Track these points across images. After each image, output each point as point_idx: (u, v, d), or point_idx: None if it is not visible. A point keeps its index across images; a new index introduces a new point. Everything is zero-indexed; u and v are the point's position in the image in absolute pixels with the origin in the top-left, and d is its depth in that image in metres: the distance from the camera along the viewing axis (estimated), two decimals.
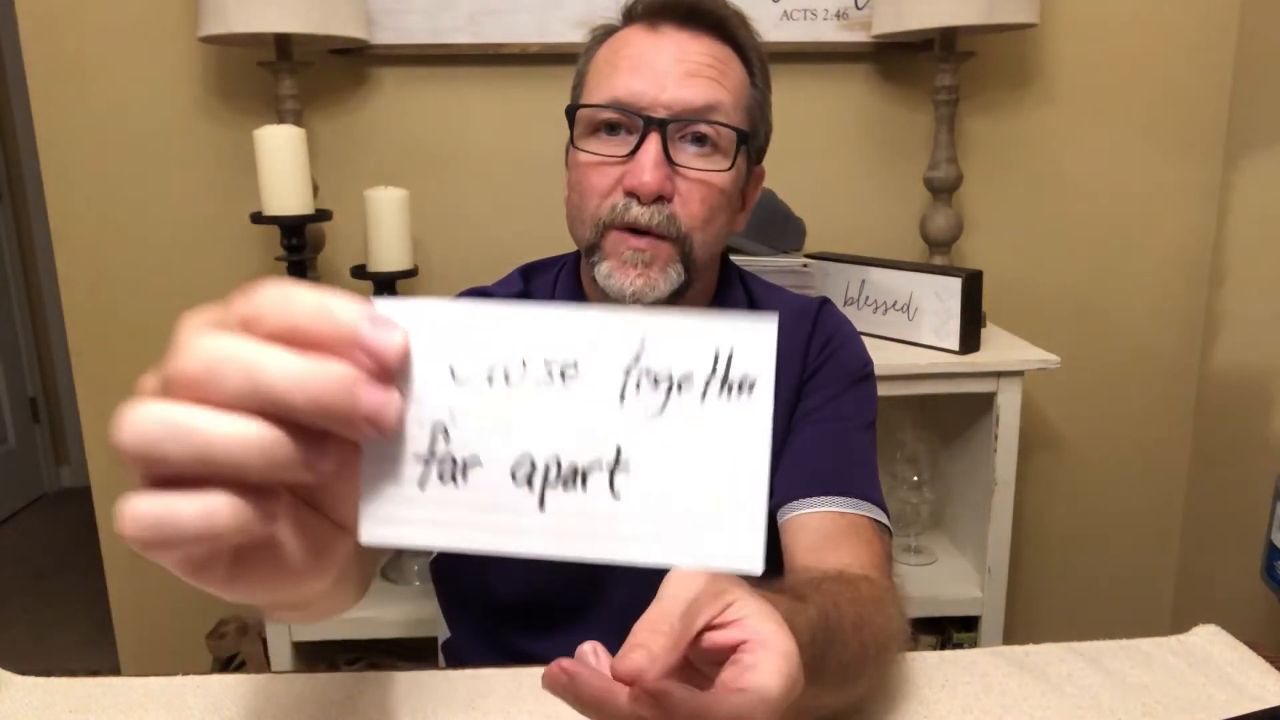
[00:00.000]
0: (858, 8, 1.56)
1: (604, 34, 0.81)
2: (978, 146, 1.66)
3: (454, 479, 0.31)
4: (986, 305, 1.52)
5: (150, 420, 0.28)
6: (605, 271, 0.76)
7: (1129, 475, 1.81)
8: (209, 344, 0.29)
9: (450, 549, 0.32)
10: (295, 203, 1.34)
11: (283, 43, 1.42)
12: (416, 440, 0.31)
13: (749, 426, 0.31)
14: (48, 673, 0.68)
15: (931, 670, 0.69)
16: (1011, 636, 1.55)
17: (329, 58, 1.55)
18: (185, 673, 0.69)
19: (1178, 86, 1.66)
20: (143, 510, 0.28)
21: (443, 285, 1.64)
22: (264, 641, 1.49)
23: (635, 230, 0.74)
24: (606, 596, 0.84)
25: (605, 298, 0.77)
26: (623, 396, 0.31)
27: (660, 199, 0.74)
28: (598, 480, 0.31)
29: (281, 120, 1.43)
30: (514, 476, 0.31)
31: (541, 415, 0.31)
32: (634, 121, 0.74)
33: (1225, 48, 1.65)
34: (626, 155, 0.74)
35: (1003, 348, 1.44)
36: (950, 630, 1.54)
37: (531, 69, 1.58)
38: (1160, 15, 1.63)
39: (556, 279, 0.87)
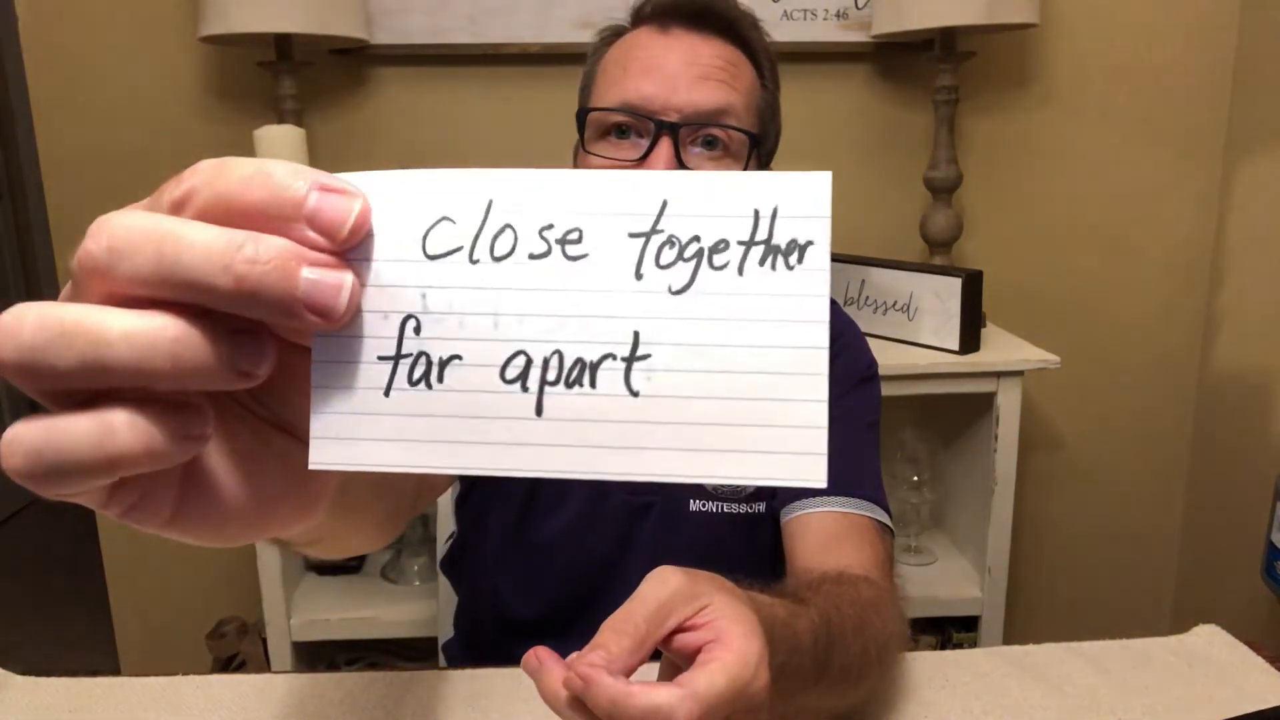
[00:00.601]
0: (858, 8, 1.56)
1: (612, 35, 0.81)
2: (978, 146, 1.66)
3: (427, 381, 0.25)
4: (986, 305, 1.52)
5: (30, 323, 0.22)
6: None
7: (1129, 475, 1.81)
8: (116, 223, 0.23)
9: (424, 469, 0.25)
10: None
11: (283, 43, 1.42)
12: (379, 335, 0.25)
13: (802, 300, 0.24)
14: (48, 673, 0.68)
15: (931, 670, 0.69)
16: (1011, 636, 1.55)
17: (329, 58, 1.55)
18: (185, 673, 0.69)
19: (1178, 86, 1.66)
20: (24, 435, 0.22)
21: None
22: (264, 641, 1.48)
23: None
24: (611, 596, 0.84)
25: None
26: (639, 270, 0.25)
27: None
28: (610, 376, 0.25)
29: (281, 120, 1.43)
30: (504, 375, 0.25)
31: (537, 297, 0.25)
32: (645, 125, 0.74)
33: (1225, 48, 1.65)
34: (638, 159, 0.74)
35: (1003, 348, 1.44)
36: (950, 630, 1.54)
37: (531, 69, 1.58)
38: (1160, 15, 1.63)
39: None
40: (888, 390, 0.91)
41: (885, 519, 0.78)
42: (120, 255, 0.23)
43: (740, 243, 0.24)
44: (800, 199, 0.24)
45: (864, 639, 0.59)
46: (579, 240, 0.25)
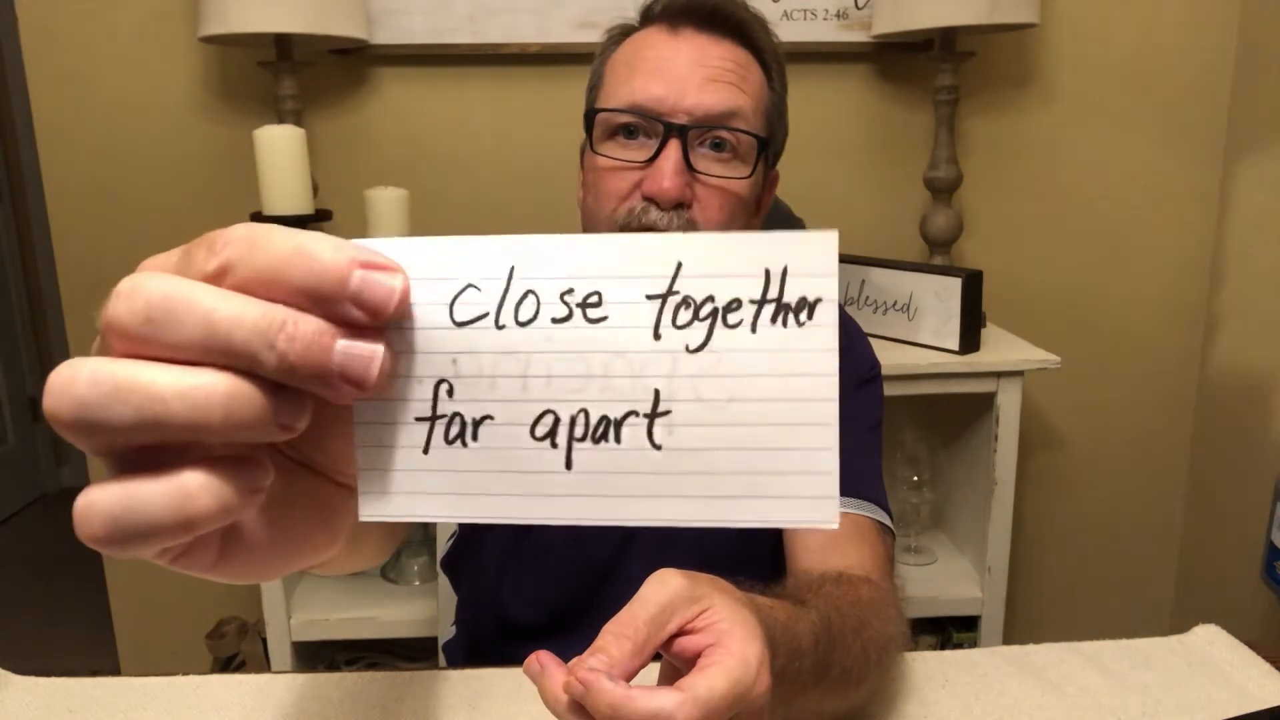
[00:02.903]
0: (858, 8, 1.56)
1: (621, 34, 0.80)
2: (978, 146, 1.66)
3: (463, 440, 0.27)
4: (986, 305, 1.52)
5: (83, 380, 0.23)
6: None
7: (1129, 475, 1.81)
8: (152, 289, 0.23)
9: (464, 520, 0.27)
10: (295, 203, 1.34)
11: (283, 43, 1.42)
12: (415, 398, 0.27)
13: (813, 356, 0.26)
14: (48, 673, 0.68)
15: (931, 670, 0.69)
16: (1011, 636, 1.55)
17: (329, 58, 1.55)
18: (185, 673, 0.69)
19: (1178, 86, 1.66)
20: (99, 503, 0.23)
21: None
22: (264, 641, 1.48)
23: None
24: (611, 599, 0.84)
25: None
26: (657, 331, 0.26)
27: (679, 205, 0.74)
28: (633, 431, 0.26)
29: (281, 120, 1.43)
30: (534, 433, 0.27)
31: (562, 359, 0.26)
32: (654, 126, 0.74)
33: (1225, 48, 1.65)
34: (646, 161, 0.74)
35: (1003, 348, 1.44)
36: (950, 630, 1.54)
37: (531, 69, 1.58)
38: (1160, 15, 1.63)
39: None
40: (888, 390, 0.91)
41: (886, 520, 0.78)
42: (160, 325, 0.23)
43: (752, 301, 0.26)
44: (808, 258, 0.26)
45: (864, 640, 0.59)
46: (599, 303, 0.26)
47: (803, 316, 0.26)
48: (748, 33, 0.77)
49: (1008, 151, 1.67)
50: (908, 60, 1.61)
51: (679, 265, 0.26)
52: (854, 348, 0.86)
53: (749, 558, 0.83)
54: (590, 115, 0.78)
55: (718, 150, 0.75)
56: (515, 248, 0.27)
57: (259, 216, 1.35)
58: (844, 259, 1.50)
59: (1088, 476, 1.81)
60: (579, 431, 0.27)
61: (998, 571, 1.46)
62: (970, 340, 1.39)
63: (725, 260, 0.26)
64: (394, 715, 0.63)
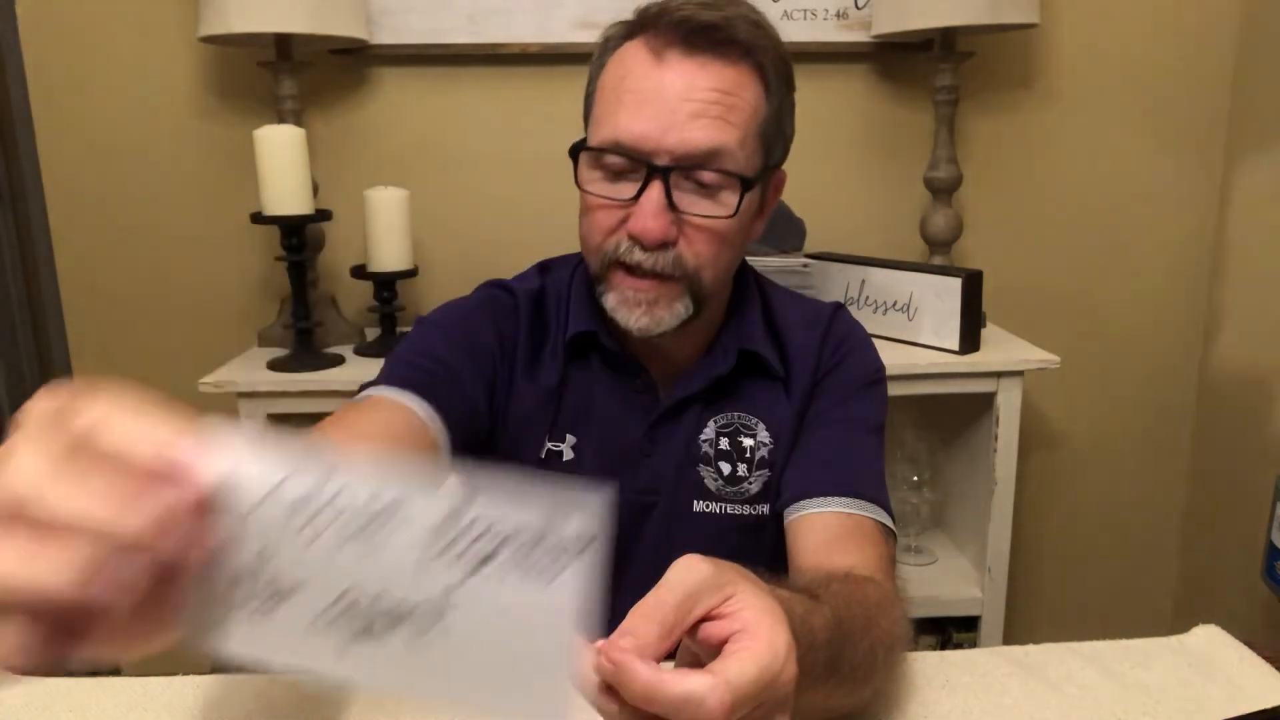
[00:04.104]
0: (858, 8, 1.56)
1: (614, 42, 0.77)
2: (978, 146, 1.66)
3: (266, 610, 0.32)
4: (986, 305, 1.52)
5: None
6: (611, 304, 0.76)
7: (1129, 475, 1.81)
8: (20, 471, 0.30)
9: (276, 671, 0.32)
10: (295, 203, 1.34)
11: (283, 43, 1.42)
12: (229, 568, 0.32)
13: (563, 603, 0.32)
14: (47, 673, 0.68)
15: (931, 670, 0.69)
16: (1011, 636, 1.55)
17: (329, 58, 1.55)
18: (185, 673, 0.69)
19: (1178, 86, 1.66)
20: None
21: (443, 285, 1.64)
22: None
23: (639, 272, 0.74)
24: (613, 596, 0.84)
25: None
26: (444, 549, 0.32)
27: (664, 244, 0.73)
28: (411, 627, 0.32)
29: (281, 120, 1.43)
30: (326, 615, 0.32)
31: (364, 561, 0.32)
32: (638, 166, 0.73)
33: (1225, 47, 1.65)
34: (630, 199, 0.73)
35: (1003, 348, 1.44)
36: (950, 630, 1.54)
37: (531, 69, 1.58)
38: (1160, 15, 1.63)
39: (572, 276, 0.86)
40: (888, 390, 0.91)
41: (888, 521, 0.78)
42: (27, 506, 0.30)
43: (522, 544, 0.32)
44: (576, 518, 0.32)
45: (871, 639, 0.59)
46: (394, 518, 0.32)
47: (562, 568, 0.32)
48: (739, 46, 0.74)
49: (1008, 151, 1.67)
50: (908, 60, 1.61)
51: (468, 502, 0.32)
52: (858, 350, 0.86)
53: (751, 557, 0.83)
54: (574, 152, 0.77)
55: (703, 187, 0.74)
56: (334, 458, 0.32)
57: (259, 216, 1.35)
58: (844, 259, 1.50)
59: (1088, 476, 1.81)
60: (375, 618, 0.32)
61: (998, 571, 1.46)
62: (970, 340, 1.39)
63: (508, 507, 0.32)
64: (394, 715, 0.63)
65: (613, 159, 0.74)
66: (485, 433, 0.81)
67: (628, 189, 0.74)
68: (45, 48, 1.54)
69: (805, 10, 1.56)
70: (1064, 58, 1.64)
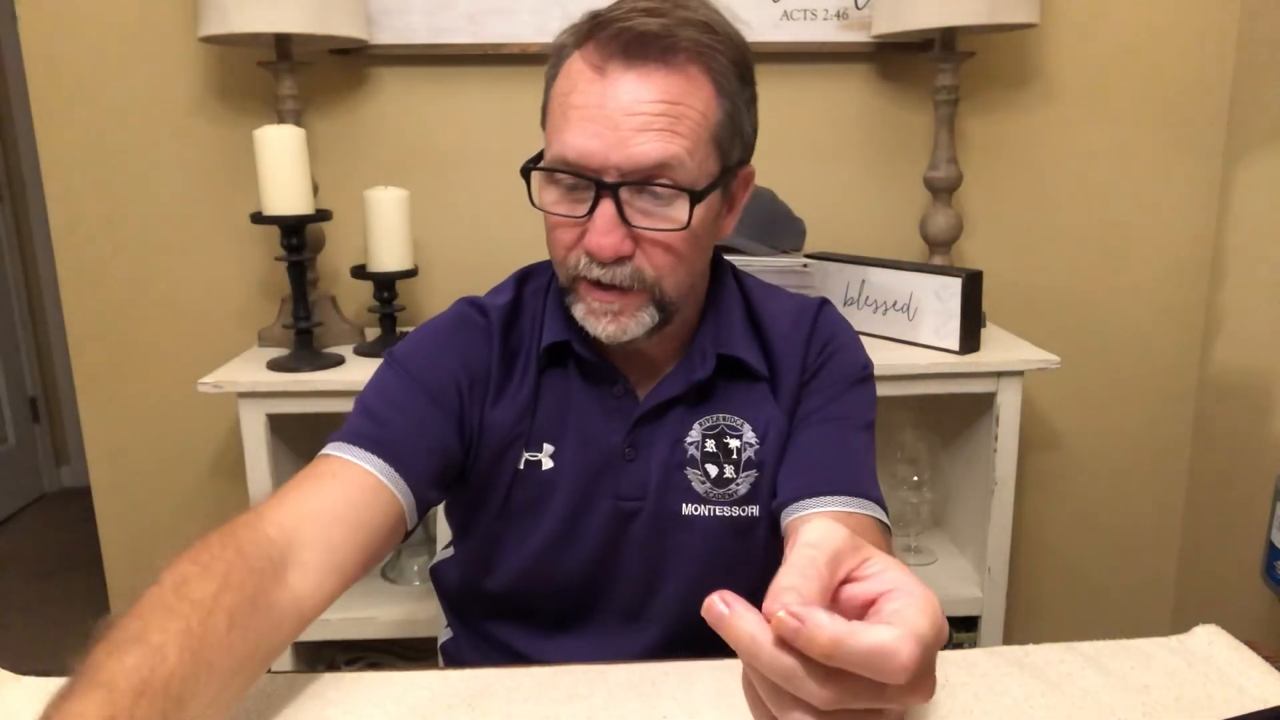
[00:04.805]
0: (858, 8, 1.56)
1: (566, 51, 0.76)
2: (978, 146, 1.66)
3: None
4: (986, 305, 1.52)
5: None
6: (580, 314, 0.77)
7: (1129, 475, 1.81)
8: None
9: None
10: (295, 203, 1.34)
11: (283, 43, 1.42)
12: None
13: None
14: (47, 673, 0.68)
15: None
16: (1011, 636, 1.55)
17: (329, 58, 1.55)
18: None
19: (1178, 86, 1.66)
20: None
21: (442, 285, 1.65)
22: None
23: (601, 285, 0.74)
24: (605, 600, 0.85)
25: None
26: None
27: (621, 259, 0.73)
28: None
29: (281, 120, 1.43)
30: None
31: None
32: (587, 183, 0.72)
33: (1225, 47, 1.65)
34: (584, 216, 0.73)
35: (1003, 348, 1.44)
36: (950, 630, 1.54)
37: (531, 69, 1.58)
38: (1160, 14, 1.63)
39: (549, 284, 0.86)
40: (888, 390, 0.91)
41: (885, 518, 0.78)
42: None
43: None
44: None
45: None
46: None
47: None
48: (684, 52, 0.71)
49: (1008, 151, 1.67)
50: (908, 60, 1.61)
51: None
52: (845, 349, 0.86)
53: (742, 558, 0.84)
54: (525, 171, 0.77)
55: (657, 198, 0.73)
56: None
57: (259, 216, 1.35)
58: (844, 259, 1.50)
59: (1088, 476, 1.81)
60: None
61: (998, 571, 1.46)
62: (970, 340, 1.39)
63: None
64: (394, 715, 0.63)
65: (564, 176, 0.73)
66: (461, 462, 0.82)
67: (581, 206, 0.73)
68: (45, 48, 1.54)
69: (805, 10, 1.56)
70: (1064, 58, 1.64)
